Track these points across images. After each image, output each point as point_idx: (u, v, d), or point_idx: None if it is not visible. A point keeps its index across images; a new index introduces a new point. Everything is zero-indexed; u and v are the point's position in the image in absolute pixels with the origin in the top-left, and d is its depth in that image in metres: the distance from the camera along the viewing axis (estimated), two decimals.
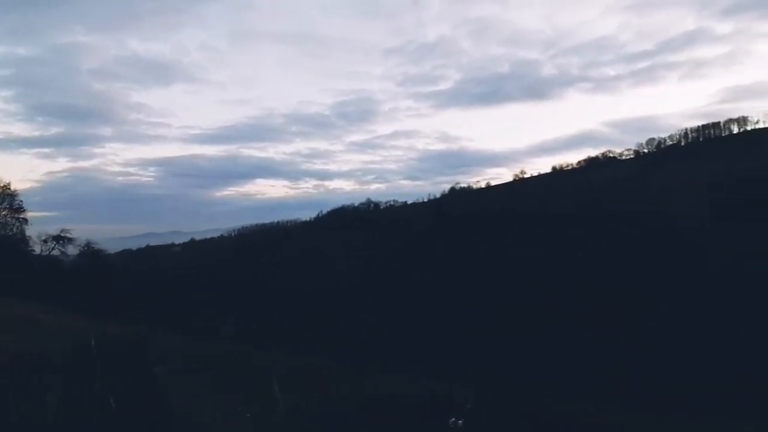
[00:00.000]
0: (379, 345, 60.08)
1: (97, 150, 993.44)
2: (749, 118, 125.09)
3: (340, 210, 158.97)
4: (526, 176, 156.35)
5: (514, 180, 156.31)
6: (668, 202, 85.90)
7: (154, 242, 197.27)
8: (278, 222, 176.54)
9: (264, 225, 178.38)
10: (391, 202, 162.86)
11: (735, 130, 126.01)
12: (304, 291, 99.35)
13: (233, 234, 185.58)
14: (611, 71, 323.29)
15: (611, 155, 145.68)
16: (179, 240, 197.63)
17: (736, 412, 17.28)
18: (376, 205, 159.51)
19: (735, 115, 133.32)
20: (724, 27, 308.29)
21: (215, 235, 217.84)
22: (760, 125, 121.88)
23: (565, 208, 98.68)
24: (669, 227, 74.27)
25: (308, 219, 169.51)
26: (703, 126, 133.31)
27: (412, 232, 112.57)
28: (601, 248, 77.49)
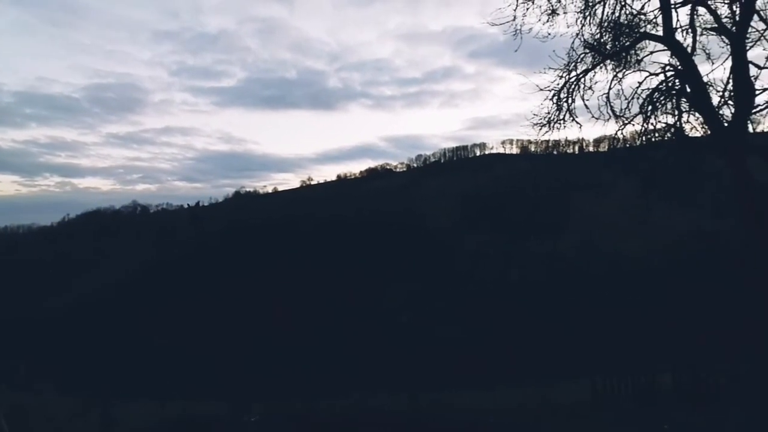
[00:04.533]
0: (129, 370, 49.96)
1: None
2: (487, 144, 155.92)
3: (95, 213, 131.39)
4: (312, 183, 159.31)
5: (302, 186, 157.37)
6: (429, 209, 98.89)
7: None
8: (6, 227, 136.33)
9: None
10: (164, 206, 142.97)
11: (477, 152, 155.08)
12: (40, 312, 78.33)
13: None
14: (388, 91, 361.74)
15: (388, 167, 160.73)
16: None
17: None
18: (144, 208, 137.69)
19: (477, 141, 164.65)
20: (470, 67, 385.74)
21: None
22: (494, 150, 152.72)
23: (347, 213, 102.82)
24: (426, 229, 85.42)
25: (50, 224, 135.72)
26: (456, 147, 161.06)
27: (176, 241, 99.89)
28: (376, 250, 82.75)
